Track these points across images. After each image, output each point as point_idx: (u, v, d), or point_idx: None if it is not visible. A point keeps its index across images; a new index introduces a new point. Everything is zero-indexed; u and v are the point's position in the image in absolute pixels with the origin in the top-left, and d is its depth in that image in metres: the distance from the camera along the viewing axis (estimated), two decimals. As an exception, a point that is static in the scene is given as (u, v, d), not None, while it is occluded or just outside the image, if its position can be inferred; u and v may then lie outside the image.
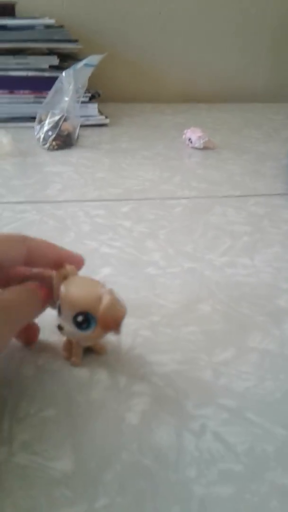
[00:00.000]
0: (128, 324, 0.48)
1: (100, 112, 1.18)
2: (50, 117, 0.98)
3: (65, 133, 0.99)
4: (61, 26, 1.24)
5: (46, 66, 1.13)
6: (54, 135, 0.97)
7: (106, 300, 0.39)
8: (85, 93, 1.07)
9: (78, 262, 0.42)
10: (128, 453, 0.35)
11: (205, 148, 1.04)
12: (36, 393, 0.39)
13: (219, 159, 1.00)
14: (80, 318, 0.39)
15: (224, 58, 1.53)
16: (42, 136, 0.98)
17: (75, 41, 1.18)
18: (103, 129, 1.17)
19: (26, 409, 0.38)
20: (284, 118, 1.36)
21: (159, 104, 1.44)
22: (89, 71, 1.00)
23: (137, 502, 0.32)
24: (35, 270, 0.42)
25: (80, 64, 0.98)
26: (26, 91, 1.12)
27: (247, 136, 1.17)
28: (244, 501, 0.32)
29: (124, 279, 0.56)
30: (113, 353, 0.44)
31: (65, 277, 0.40)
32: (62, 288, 0.40)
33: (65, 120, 0.98)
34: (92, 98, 1.17)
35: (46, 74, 1.12)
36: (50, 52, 1.15)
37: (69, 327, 0.40)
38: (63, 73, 0.97)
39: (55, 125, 0.97)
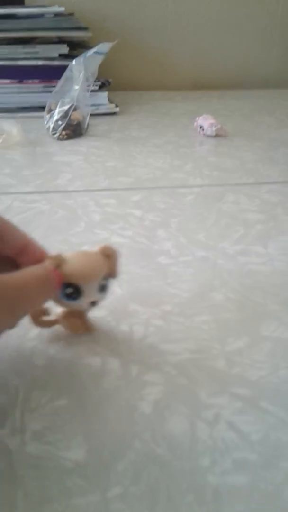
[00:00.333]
0: (140, 313, 0.48)
1: (110, 101, 1.17)
2: (60, 107, 0.97)
3: (75, 122, 0.98)
4: (71, 14, 1.22)
5: (55, 54, 1.12)
6: (63, 125, 0.96)
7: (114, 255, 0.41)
8: (95, 81, 1.06)
9: (40, 256, 0.40)
10: (141, 442, 0.34)
11: (216, 135, 1.02)
12: (48, 382, 0.39)
13: (231, 146, 0.98)
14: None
15: (235, 44, 1.50)
16: (51, 125, 0.98)
17: (85, 29, 1.17)
18: (113, 117, 1.16)
19: (38, 399, 0.37)
20: (297, 104, 1.33)
21: (170, 91, 1.42)
22: (99, 59, 0.99)
23: (150, 491, 0.31)
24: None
25: (90, 52, 0.97)
26: (36, 81, 1.11)
27: (260, 122, 1.16)
28: (259, 490, 0.32)
29: (135, 268, 0.55)
30: (125, 343, 0.44)
31: (58, 265, 0.39)
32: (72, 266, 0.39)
33: (74, 109, 0.97)
34: (102, 87, 1.16)
35: (56, 63, 1.11)
36: (60, 41, 1.14)
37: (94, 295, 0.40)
38: (73, 61, 0.96)
39: (65, 115, 0.96)
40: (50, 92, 1.02)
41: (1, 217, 0.40)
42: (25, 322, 0.45)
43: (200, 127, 1.04)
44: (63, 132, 0.97)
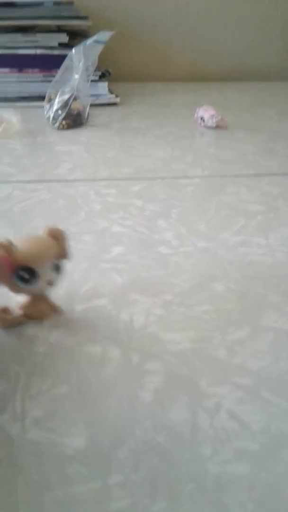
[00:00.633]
0: (141, 302, 0.48)
1: (111, 91, 1.16)
2: (60, 96, 0.96)
3: (75, 112, 0.97)
4: (71, 3, 1.21)
5: (55, 43, 1.11)
6: (63, 114, 0.96)
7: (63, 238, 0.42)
8: (95, 71, 1.05)
9: None
10: (141, 430, 0.34)
11: (217, 127, 1.02)
12: (49, 370, 0.39)
13: (231, 138, 0.98)
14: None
15: (236, 36, 1.49)
16: (51, 115, 0.97)
17: (85, 18, 1.15)
18: (114, 108, 1.15)
19: (38, 386, 0.37)
20: (298, 97, 1.32)
21: (170, 83, 1.41)
22: (99, 48, 0.98)
23: (151, 479, 0.31)
24: None
25: (90, 41, 0.96)
26: (35, 70, 1.10)
27: (260, 115, 1.15)
28: (260, 480, 0.32)
29: (135, 257, 0.55)
30: (125, 331, 0.44)
31: (8, 251, 0.39)
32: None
33: (75, 99, 0.96)
34: (102, 77, 1.15)
35: (55, 52, 1.10)
36: (59, 30, 1.13)
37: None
38: (73, 50, 0.95)
39: (65, 104, 0.95)
40: (50, 81, 1.01)
41: None
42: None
43: (201, 118, 1.03)
44: (63, 122, 0.96)
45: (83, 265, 0.53)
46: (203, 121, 1.02)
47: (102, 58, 1.02)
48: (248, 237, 0.61)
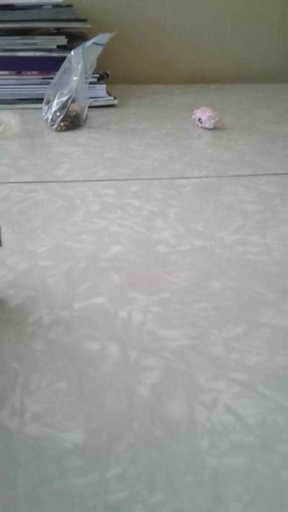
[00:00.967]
0: (139, 300, 0.48)
1: (109, 93, 1.17)
2: (58, 98, 0.97)
3: (73, 114, 0.98)
4: (70, 5, 1.22)
5: (54, 46, 1.11)
6: (62, 116, 0.96)
7: None
8: (93, 73, 1.06)
9: None
10: (139, 424, 0.35)
11: (215, 128, 1.02)
12: (48, 366, 0.39)
13: (229, 139, 0.98)
14: None
15: (234, 38, 1.50)
16: (50, 117, 0.97)
17: (84, 20, 1.16)
18: (112, 110, 1.15)
19: (37, 382, 0.38)
20: (295, 98, 1.33)
21: (168, 85, 1.42)
22: (97, 50, 0.98)
23: (149, 471, 0.32)
24: None
25: (89, 43, 0.97)
26: (34, 72, 1.11)
27: (258, 116, 1.16)
28: (256, 472, 0.32)
29: (134, 256, 0.56)
30: (123, 328, 0.44)
31: None
32: None
33: (73, 101, 0.97)
34: (100, 79, 1.16)
35: (54, 54, 1.11)
36: (58, 32, 1.14)
37: None
38: (72, 52, 0.96)
39: (63, 106, 0.96)
40: (48, 83, 1.02)
41: None
42: (26, 307, 0.46)
43: (199, 120, 1.04)
44: (62, 124, 0.97)
45: (82, 264, 0.53)
46: (201, 122, 1.03)
47: (100, 60, 1.03)
48: (245, 236, 0.61)
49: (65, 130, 0.97)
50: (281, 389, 0.38)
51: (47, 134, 0.97)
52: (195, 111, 1.06)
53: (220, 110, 1.13)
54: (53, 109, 0.96)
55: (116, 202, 0.69)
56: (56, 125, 0.97)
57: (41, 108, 1.01)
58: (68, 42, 1.13)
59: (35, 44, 1.10)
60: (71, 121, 0.98)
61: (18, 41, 1.10)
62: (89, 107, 1.03)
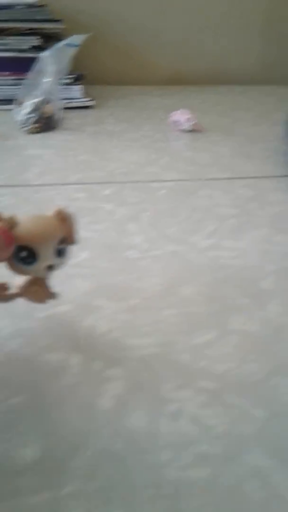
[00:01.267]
0: (105, 308, 0.47)
1: (86, 94, 1.15)
2: (31, 99, 0.95)
3: (47, 115, 0.96)
4: (44, 5, 1.20)
5: (27, 46, 1.10)
6: (35, 118, 0.94)
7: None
8: (69, 75, 1.04)
9: None
10: (98, 438, 0.33)
11: (193, 130, 1.01)
12: (4, 380, 0.37)
13: (207, 141, 0.97)
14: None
15: (214, 40, 1.49)
16: (22, 119, 0.95)
17: (58, 21, 1.14)
18: (88, 111, 1.14)
19: (-7, 396, 0.36)
20: (275, 100, 1.33)
21: (147, 86, 1.41)
22: (71, 51, 0.97)
23: (106, 487, 0.30)
24: None
25: (62, 44, 0.95)
26: (6, 73, 1.09)
27: (237, 118, 1.15)
28: (219, 484, 0.31)
29: (102, 262, 0.54)
30: (87, 338, 0.42)
31: (11, 227, 0.37)
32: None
33: (46, 102, 0.95)
34: (76, 80, 1.14)
35: (27, 55, 1.09)
36: (32, 32, 1.12)
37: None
38: (44, 53, 0.94)
39: (36, 108, 0.94)
40: (21, 84, 1.00)
41: None
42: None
43: (176, 122, 1.03)
44: (35, 125, 0.95)
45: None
46: (178, 125, 1.02)
47: (76, 61, 1.02)
48: (219, 240, 0.60)
49: (38, 132, 0.95)
50: (249, 397, 0.37)
51: (20, 136, 0.95)
52: (171, 114, 1.05)
53: (199, 112, 1.12)
54: (26, 110, 0.94)
55: (87, 206, 0.67)
56: (28, 127, 0.95)
57: (13, 110, 0.99)
58: (43, 43, 1.11)
59: (8, 44, 1.08)
60: (45, 123, 0.96)
61: (-10, 41, 1.08)
62: (65, 108, 1.01)
